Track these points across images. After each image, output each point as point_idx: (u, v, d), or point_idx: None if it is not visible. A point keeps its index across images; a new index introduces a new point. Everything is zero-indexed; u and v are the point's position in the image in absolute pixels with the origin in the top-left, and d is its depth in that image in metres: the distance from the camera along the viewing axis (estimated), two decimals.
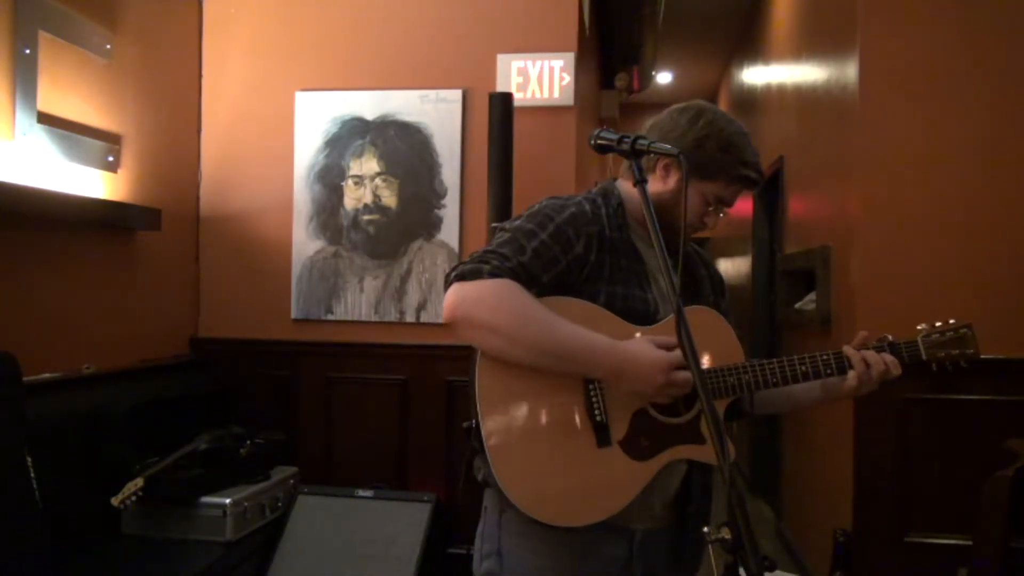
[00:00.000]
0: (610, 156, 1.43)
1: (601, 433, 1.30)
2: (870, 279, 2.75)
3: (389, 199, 3.26)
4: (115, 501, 2.32)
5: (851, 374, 1.35)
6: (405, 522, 2.74)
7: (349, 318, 3.25)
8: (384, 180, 3.26)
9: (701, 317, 1.38)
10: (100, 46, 2.71)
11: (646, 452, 1.31)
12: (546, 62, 3.14)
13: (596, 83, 5.29)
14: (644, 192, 1.24)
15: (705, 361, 1.35)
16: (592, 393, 1.31)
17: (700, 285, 1.50)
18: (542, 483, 1.29)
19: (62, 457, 2.32)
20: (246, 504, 2.58)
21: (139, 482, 2.33)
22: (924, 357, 1.40)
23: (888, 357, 1.36)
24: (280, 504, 2.80)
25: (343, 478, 3.08)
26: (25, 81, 2.37)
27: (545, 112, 3.17)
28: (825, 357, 1.37)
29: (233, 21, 3.37)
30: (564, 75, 3.14)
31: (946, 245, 2.71)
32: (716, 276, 1.57)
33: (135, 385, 2.81)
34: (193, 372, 3.23)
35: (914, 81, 2.74)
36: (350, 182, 3.27)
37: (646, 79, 6.34)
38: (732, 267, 6.64)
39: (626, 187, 1.45)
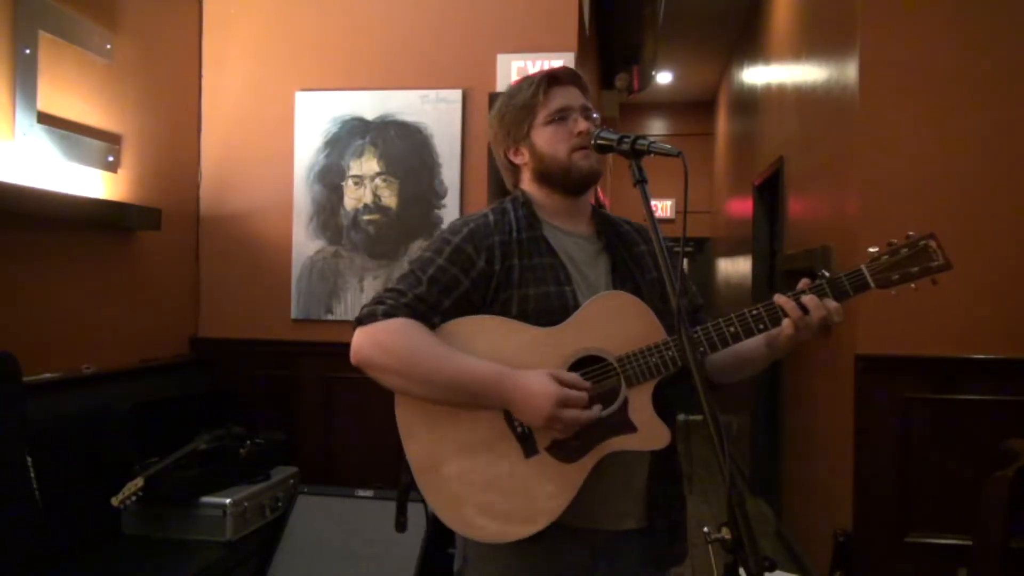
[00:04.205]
0: (610, 156, 1.43)
1: (526, 443, 1.30)
2: None
3: (389, 199, 3.25)
4: (115, 501, 2.31)
5: (785, 322, 1.27)
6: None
7: (349, 318, 3.21)
8: (384, 180, 3.26)
9: (615, 302, 1.34)
10: (100, 46, 2.71)
11: (576, 452, 1.29)
12: (546, 62, 3.13)
13: (596, 83, 5.29)
14: (644, 192, 1.25)
15: (624, 345, 1.30)
16: None
17: (641, 262, 1.46)
18: (476, 505, 1.29)
19: (62, 457, 2.32)
20: (246, 504, 2.58)
21: (139, 482, 2.33)
22: (873, 285, 1.28)
23: (831, 304, 1.27)
24: (280, 504, 2.80)
25: (343, 478, 3.07)
26: (25, 81, 2.37)
27: None
28: (755, 312, 1.29)
29: (233, 21, 3.37)
30: None
31: (946, 245, 2.70)
32: (656, 251, 1.50)
33: (135, 385, 2.81)
34: (193, 372, 3.23)
35: (914, 81, 2.74)
36: (350, 182, 3.27)
37: (646, 79, 6.34)
38: (732, 267, 6.64)
39: (530, 190, 1.47)
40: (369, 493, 2.84)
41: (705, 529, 1.01)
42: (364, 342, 1.31)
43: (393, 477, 3.26)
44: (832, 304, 1.27)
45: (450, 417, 1.31)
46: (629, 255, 1.46)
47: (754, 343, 1.33)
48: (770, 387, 4.77)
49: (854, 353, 2.77)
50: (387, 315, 1.30)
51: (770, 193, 4.78)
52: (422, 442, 1.32)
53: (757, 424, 5.07)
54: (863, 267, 1.30)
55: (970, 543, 2.29)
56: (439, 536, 2.85)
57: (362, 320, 1.32)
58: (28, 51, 2.38)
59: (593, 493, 1.30)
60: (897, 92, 2.76)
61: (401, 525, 1.51)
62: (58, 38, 2.51)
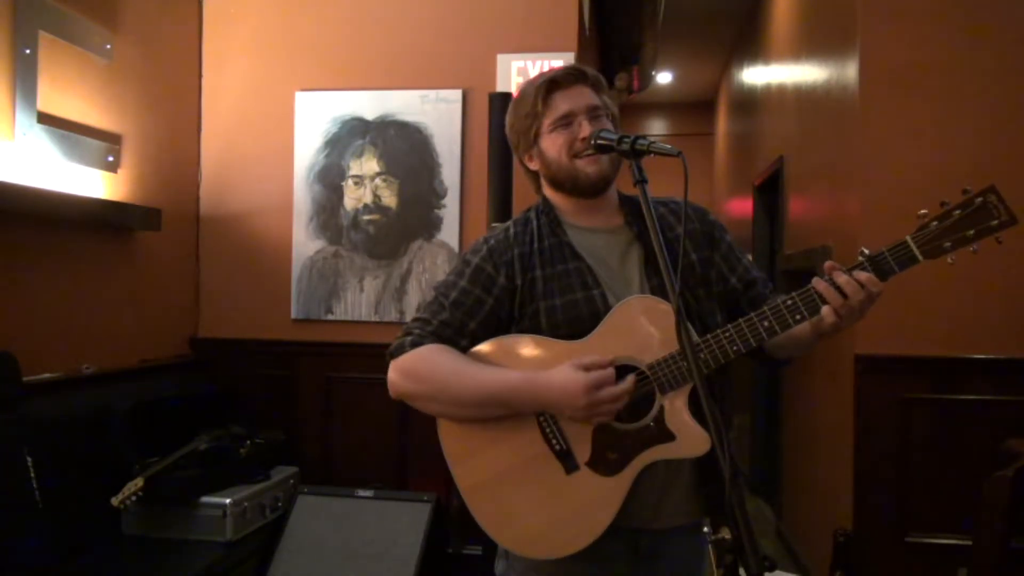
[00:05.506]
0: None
1: (566, 460, 1.30)
2: None
3: (389, 199, 3.25)
4: (115, 501, 2.31)
5: (825, 310, 1.20)
6: (405, 522, 2.73)
7: (349, 318, 3.25)
8: (384, 180, 3.26)
9: (640, 306, 1.30)
10: (100, 46, 2.71)
11: (616, 465, 1.27)
12: (546, 62, 3.13)
13: None
14: (644, 192, 1.24)
15: (655, 351, 1.27)
16: (544, 424, 1.30)
17: (676, 248, 1.33)
18: (524, 524, 1.31)
19: (62, 457, 2.32)
20: (246, 504, 2.58)
21: (139, 482, 2.33)
22: (922, 258, 1.17)
23: (863, 275, 1.19)
24: (280, 504, 2.80)
25: (343, 478, 3.07)
26: (25, 81, 2.37)
27: None
28: (790, 302, 1.22)
29: (233, 21, 3.37)
30: None
31: None
32: (696, 231, 1.42)
33: (135, 385, 2.81)
34: (193, 372, 3.23)
35: (914, 81, 2.74)
36: (350, 182, 3.27)
37: (646, 79, 6.33)
38: None
39: (549, 195, 1.45)
40: (369, 493, 2.84)
41: (705, 529, 1.01)
42: (397, 375, 1.36)
43: (392, 477, 3.26)
44: (862, 275, 1.19)
45: (490, 441, 1.33)
46: (664, 241, 1.37)
47: (800, 326, 1.26)
48: (770, 387, 4.77)
49: (853, 353, 2.77)
50: (415, 345, 1.34)
51: (770, 193, 4.78)
52: (466, 466, 1.35)
53: (757, 424, 5.07)
54: (908, 239, 1.19)
55: (970, 543, 2.29)
56: (439, 536, 2.85)
57: (393, 354, 1.37)
58: (28, 51, 2.38)
59: (638, 493, 1.29)
60: (897, 92, 2.75)
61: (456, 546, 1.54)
62: (58, 38, 2.51)
